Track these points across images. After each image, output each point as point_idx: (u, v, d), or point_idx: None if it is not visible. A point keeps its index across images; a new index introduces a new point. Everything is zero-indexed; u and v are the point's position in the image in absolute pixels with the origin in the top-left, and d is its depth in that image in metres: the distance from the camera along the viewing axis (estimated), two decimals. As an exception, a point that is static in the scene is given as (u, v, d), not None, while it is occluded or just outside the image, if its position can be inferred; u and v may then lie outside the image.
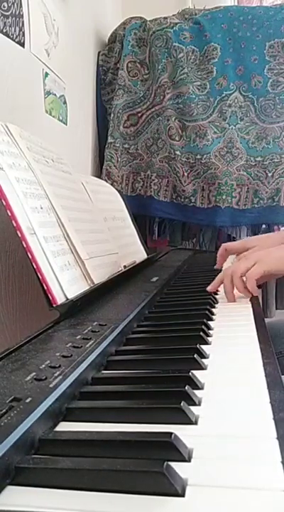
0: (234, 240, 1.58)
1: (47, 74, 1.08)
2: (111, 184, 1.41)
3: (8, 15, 0.87)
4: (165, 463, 0.26)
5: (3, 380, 0.37)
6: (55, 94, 1.14)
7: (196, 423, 0.34)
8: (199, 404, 0.37)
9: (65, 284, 0.62)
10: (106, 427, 0.34)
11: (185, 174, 1.52)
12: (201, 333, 0.55)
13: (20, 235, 0.58)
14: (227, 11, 1.50)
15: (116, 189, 1.30)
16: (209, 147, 1.50)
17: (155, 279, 0.91)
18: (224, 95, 1.50)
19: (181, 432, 0.31)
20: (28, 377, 0.38)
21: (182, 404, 0.34)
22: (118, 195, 1.25)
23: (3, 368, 0.40)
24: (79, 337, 0.50)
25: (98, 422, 0.35)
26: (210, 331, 0.59)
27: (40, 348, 0.47)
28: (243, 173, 1.51)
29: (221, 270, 0.97)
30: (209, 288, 0.80)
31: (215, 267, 1.04)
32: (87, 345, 0.47)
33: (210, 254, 1.47)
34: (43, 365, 0.41)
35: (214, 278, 0.85)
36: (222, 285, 0.80)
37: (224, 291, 0.78)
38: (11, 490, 0.27)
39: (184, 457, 0.29)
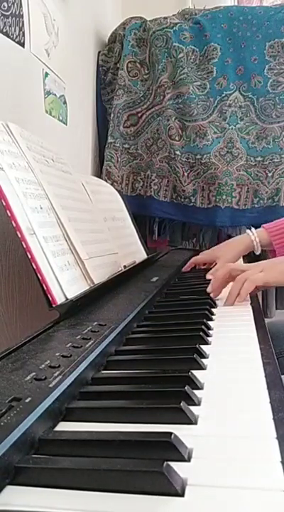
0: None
1: (47, 74, 1.08)
2: (111, 184, 1.41)
3: (8, 15, 0.87)
4: (165, 463, 0.26)
5: (3, 380, 0.37)
6: (55, 94, 1.14)
7: (196, 423, 0.34)
8: (199, 404, 0.37)
9: (65, 284, 0.62)
10: (106, 426, 0.34)
11: (185, 174, 1.52)
12: (201, 333, 0.55)
13: (19, 235, 0.58)
14: (227, 11, 1.50)
15: (116, 189, 1.30)
16: (209, 147, 1.50)
17: (155, 279, 0.90)
18: (224, 95, 1.50)
19: (181, 432, 0.31)
20: (28, 377, 0.38)
21: (181, 404, 0.34)
22: (118, 195, 1.25)
23: (3, 368, 0.40)
24: (78, 337, 0.50)
25: (98, 422, 0.35)
26: (210, 331, 0.59)
27: (39, 348, 0.47)
28: (243, 173, 1.51)
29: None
30: (209, 290, 0.80)
31: (183, 269, 1.08)
32: (87, 345, 0.47)
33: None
34: (43, 365, 0.41)
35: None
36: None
37: (229, 292, 0.77)
38: (10, 490, 0.27)
39: (184, 457, 0.29)
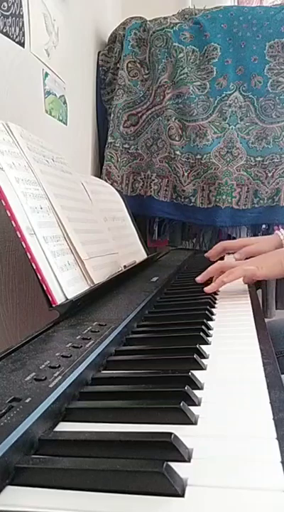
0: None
1: (47, 74, 1.08)
2: (111, 184, 1.41)
3: (8, 15, 0.87)
4: (165, 463, 0.26)
5: (3, 380, 0.37)
6: (55, 94, 1.14)
7: (196, 423, 0.34)
8: (199, 405, 0.37)
9: (65, 284, 0.62)
10: (106, 427, 0.34)
11: (185, 174, 1.52)
12: (201, 333, 0.55)
13: (19, 235, 0.58)
14: (227, 11, 1.50)
15: (116, 189, 1.30)
16: (209, 147, 1.50)
17: (155, 279, 0.90)
18: (224, 95, 1.50)
19: (181, 432, 0.31)
20: (28, 378, 0.38)
21: (181, 404, 0.34)
22: (118, 195, 1.25)
23: (3, 368, 0.40)
24: (78, 337, 0.50)
25: (98, 422, 0.35)
26: (210, 331, 0.59)
27: (39, 348, 0.47)
28: (243, 173, 1.51)
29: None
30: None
31: (206, 255, 1.07)
32: (87, 346, 0.47)
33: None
34: (43, 365, 0.41)
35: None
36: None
37: (218, 278, 0.81)
38: (10, 490, 0.27)
39: (184, 457, 0.29)
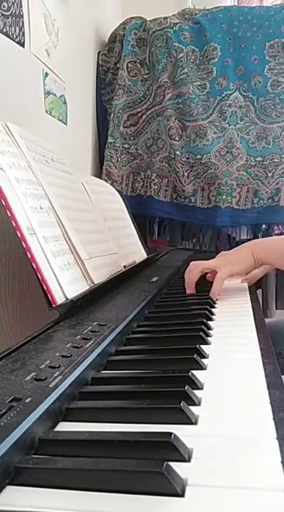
0: (234, 240, 1.58)
1: (47, 74, 1.08)
2: (111, 184, 1.41)
3: (8, 15, 0.87)
4: (165, 463, 0.26)
5: (3, 380, 0.37)
6: (55, 94, 1.14)
7: (196, 423, 0.34)
8: (199, 404, 0.37)
9: (65, 284, 0.62)
10: (106, 427, 0.34)
11: (185, 174, 1.52)
12: (201, 333, 0.55)
13: (19, 235, 0.58)
14: (227, 11, 1.50)
15: (116, 189, 1.30)
16: (209, 147, 1.50)
17: (155, 279, 0.90)
18: (224, 95, 1.50)
19: (181, 431, 0.31)
20: (28, 377, 0.38)
21: (182, 404, 0.34)
22: (118, 195, 1.25)
23: (3, 368, 0.40)
24: (78, 337, 0.50)
25: (98, 422, 0.35)
26: (210, 331, 0.59)
27: (39, 348, 0.47)
28: (243, 173, 1.51)
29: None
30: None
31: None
32: (87, 346, 0.47)
33: (210, 254, 1.47)
34: (43, 365, 0.41)
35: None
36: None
37: (186, 282, 0.83)
38: (10, 490, 0.27)
39: (184, 457, 0.29)
